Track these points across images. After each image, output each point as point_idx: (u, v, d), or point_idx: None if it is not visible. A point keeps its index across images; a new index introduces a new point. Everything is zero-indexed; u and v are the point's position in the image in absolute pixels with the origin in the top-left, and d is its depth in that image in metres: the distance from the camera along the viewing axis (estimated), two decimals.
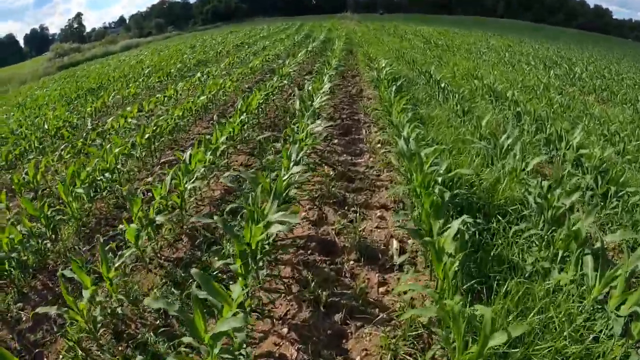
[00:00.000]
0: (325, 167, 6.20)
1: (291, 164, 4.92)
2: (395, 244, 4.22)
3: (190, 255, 4.53)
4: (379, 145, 6.80)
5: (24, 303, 4.53)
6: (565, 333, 2.80)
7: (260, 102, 8.87)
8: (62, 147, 7.91)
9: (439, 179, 4.02)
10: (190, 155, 5.48)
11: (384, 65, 11.70)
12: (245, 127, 7.99)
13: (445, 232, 3.28)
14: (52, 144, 9.35)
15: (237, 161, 6.92)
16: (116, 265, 3.71)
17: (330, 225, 4.67)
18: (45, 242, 5.27)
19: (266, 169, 5.65)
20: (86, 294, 3.44)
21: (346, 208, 5.02)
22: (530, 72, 16.17)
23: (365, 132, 7.63)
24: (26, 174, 6.67)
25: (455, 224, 3.23)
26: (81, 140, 8.12)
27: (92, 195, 6.01)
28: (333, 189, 5.37)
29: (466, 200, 4.53)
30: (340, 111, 9.27)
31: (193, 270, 2.89)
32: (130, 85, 15.35)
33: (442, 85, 10.12)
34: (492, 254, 3.69)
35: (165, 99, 11.47)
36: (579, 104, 10.22)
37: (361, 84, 12.44)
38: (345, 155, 6.67)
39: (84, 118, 11.82)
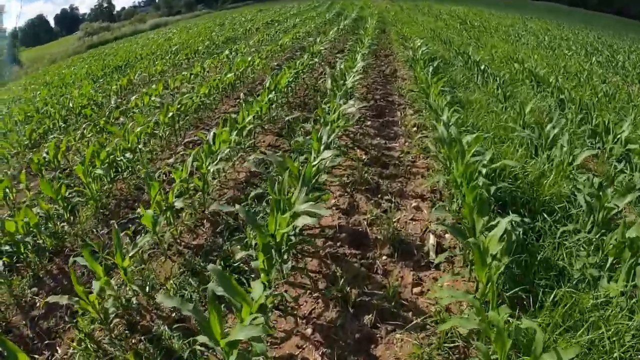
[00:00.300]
0: (358, 150, 5.87)
1: (321, 147, 4.62)
2: (432, 239, 3.90)
3: (211, 243, 4.32)
4: (414, 129, 6.43)
5: (39, 288, 4.42)
6: (615, 355, 2.47)
7: (290, 80, 8.56)
8: (84, 126, 7.79)
9: (483, 170, 3.65)
10: (214, 135, 5.24)
11: (419, 44, 11.22)
12: (274, 106, 7.71)
13: (490, 232, 2.95)
14: (76, 122, 9.29)
15: (264, 142, 6.65)
16: (131, 253, 3.50)
17: (362, 215, 4.36)
18: (62, 224, 5.15)
19: (294, 152, 5.37)
20: (96, 285, 3.25)
21: (379, 196, 4.70)
22: (571, 57, 15.30)
23: (400, 114, 7.25)
24: (47, 153, 6.57)
25: (503, 223, 2.90)
26: (104, 118, 7.99)
27: (112, 176, 5.86)
28: (365, 174, 5.05)
29: (509, 195, 4.16)
30: (373, 92, 8.88)
31: (210, 267, 2.65)
32: (157, 62, 15.23)
33: (482, 67, 9.59)
34: (538, 257, 3.33)
35: (192, 76, 11.27)
36: (624, 94, 9.52)
37: (395, 63, 11.98)
38: (378, 138, 6.32)
39: (109, 96, 11.76)
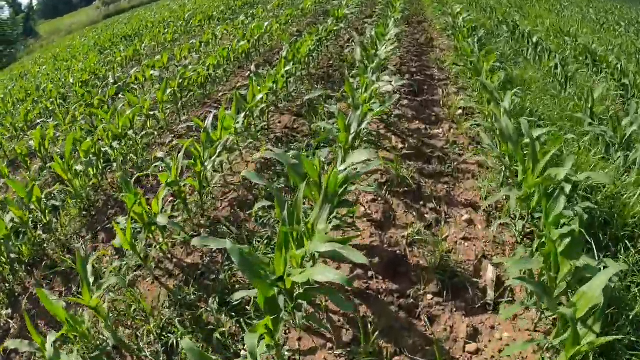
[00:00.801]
0: (393, 138, 4.94)
1: (350, 138, 3.73)
2: (490, 271, 3.01)
3: (208, 262, 3.52)
4: (459, 111, 5.44)
5: (14, 309, 3.79)
6: None
7: (312, 49, 7.60)
8: (75, 107, 7.02)
9: (567, 188, 2.70)
10: (216, 117, 4.38)
11: (459, 10, 10.02)
12: (292, 80, 6.80)
13: (581, 285, 2.08)
14: (75, 101, 8.55)
15: (279, 123, 5.76)
16: (96, 295, 2.70)
17: (400, 229, 3.47)
18: (39, 232, 4.45)
19: (314, 150, 4.42)
20: (51, 338, 2.47)
21: (421, 203, 3.79)
22: (621, 34, 13.71)
23: (442, 92, 6.22)
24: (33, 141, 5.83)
25: (603, 277, 2.02)
26: (98, 97, 7.20)
27: (101, 168, 5.10)
28: (404, 171, 4.13)
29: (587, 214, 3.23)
30: (407, 64, 7.83)
31: (184, 343, 1.84)
32: (167, 30, 14.35)
33: (534, 40, 8.37)
34: (630, 314, 2.45)
35: (201, 45, 10.37)
36: None
37: (430, 31, 10.81)
38: (417, 122, 5.36)
39: (113, 68, 11.00)
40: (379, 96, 4.78)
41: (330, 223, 2.75)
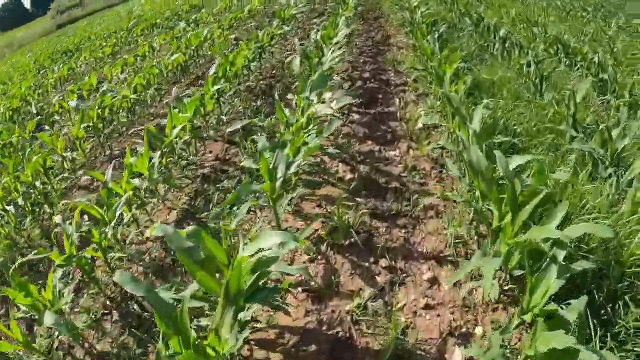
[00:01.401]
0: (341, 165, 4.26)
1: (277, 185, 3.01)
2: (458, 355, 2.35)
3: (120, 347, 2.81)
4: (420, 124, 4.78)
5: None
6: None
7: (251, 58, 6.85)
8: None
9: (560, 256, 2.06)
10: (119, 165, 3.64)
11: (416, 3, 9.38)
12: (227, 97, 6.07)
13: None
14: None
15: (210, 153, 5.03)
16: None
17: (345, 299, 2.79)
18: None
19: (227, 211, 3.67)
20: None
21: (372, 260, 3.11)
22: (589, 22, 13.20)
23: (399, 101, 5.55)
24: None
25: None
26: (16, 134, 6.34)
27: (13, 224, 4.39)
28: (350, 214, 3.44)
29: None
30: (360, 67, 7.15)
31: None
32: (107, 43, 13.41)
33: (502, 33, 7.74)
34: None
35: (138, 59, 9.51)
36: None
37: (387, 27, 10.15)
38: (369, 142, 4.68)
39: (47, 92, 10.10)
40: (321, 119, 4.09)
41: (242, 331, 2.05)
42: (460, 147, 3.02)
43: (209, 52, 9.21)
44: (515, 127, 4.25)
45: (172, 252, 3.52)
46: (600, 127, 3.69)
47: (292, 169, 3.15)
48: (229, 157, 4.87)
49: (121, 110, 6.21)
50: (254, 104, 6.10)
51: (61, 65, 12.18)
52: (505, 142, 3.82)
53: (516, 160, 2.85)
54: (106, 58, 12.10)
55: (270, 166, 3.10)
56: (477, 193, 2.92)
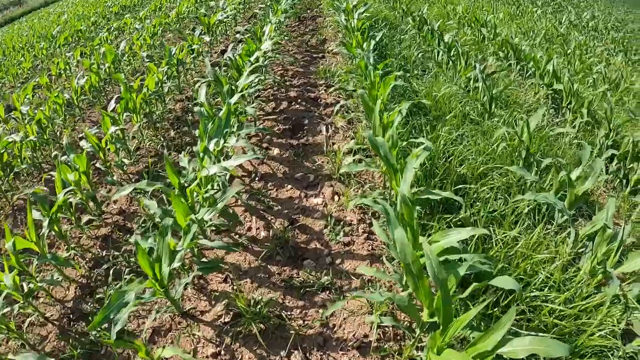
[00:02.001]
0: (254, 220, 3.65)
1: (165, 274, 2.39)
2: None
3: None
4: (350, 159, 4.21)
5: None
6: None
7: (163, 80, 6.08)
8: None
9: None
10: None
11: (355, 3, 8.81)
12: (134, 130, 5.31)
13: None
14: None
15: (115, 203, 4.30)
16: None
17: None
18: None
19: None
20: None
21: (284, 353, 2.54)
22: (540, 18, 13.05)
23: (327, 129, 4.97)
24: None
25: None
26: None
27: None
28: (258, 293, 2.85)
29: None
30: (289, 81, 6.54)
31: None
32: (26, 56, 12.15)
33: (447, 39, 7.25)
34: None
35: (53, 79, 8.47)
36: (614, 72, 7.42)
37: (324, 30, 9.57)
38: (289, 186, 4.10)
39: None
40: (216, 187, 3.43)
41: None
42: (388, 210, 2.46)
43: (128, 67, 8.29)
44: (459, 170, 3.75)
45: None
46: (560, 173, 3.25)
47: (176, 262, 2.53)
48: (134, 208, 4.16)
49: (20, 157, 5.26)
50: (168, 134, 5.39)
51: None
52: (448, 203, 3.35)
53: (454, 237, 2.35)
54: (25, 74, 10.91)
55: (152, 258, 2.47)
56: (404, 278, 2.39)
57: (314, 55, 7.92)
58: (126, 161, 4.72)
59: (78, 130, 6.32)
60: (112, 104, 5.09)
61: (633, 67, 8.23)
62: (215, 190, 3.17)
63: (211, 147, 3.44)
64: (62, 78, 8.85)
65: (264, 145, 4.75)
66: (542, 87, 6.07)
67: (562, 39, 9.40)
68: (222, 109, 4.15)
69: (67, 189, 3.60)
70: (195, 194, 3.12)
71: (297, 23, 10.39)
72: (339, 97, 5.83)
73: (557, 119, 5.46)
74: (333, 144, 4.59)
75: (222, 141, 3.51)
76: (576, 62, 7.56)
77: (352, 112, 5.28)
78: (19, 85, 10.27)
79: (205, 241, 2.95)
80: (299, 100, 5.84)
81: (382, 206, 2.46)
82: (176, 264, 2.52)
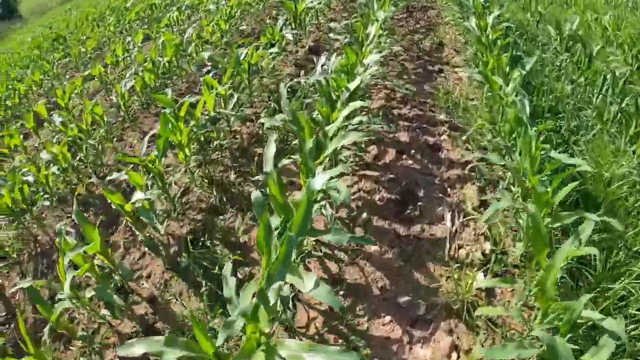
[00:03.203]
0: None
1: None
2: None
3: None
4: (482, 279, 2.86)
5: None
6: None
7: (226, 98, 4.86)
8: None
9: None
10: None
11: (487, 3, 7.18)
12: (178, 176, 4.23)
13: None
14: None
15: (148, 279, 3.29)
16: None
17: None
18: None
19: None
20: None
21: None
22: None
23: (452, 214, 3.53)
24: None
25: None
26: None
27: None
28: None
29: None
30: (397, 109, 5.12)
31: None
32: (92, 33, 11.47)
33: (604, 68, 5.40)
34: None
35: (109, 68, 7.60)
36: None
37: (440, 29, 7.99)
38: (390, 315, 2.80)
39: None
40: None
41: None
42: None
43: (193, 58, 7.09)
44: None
45: None
46: None
47: None
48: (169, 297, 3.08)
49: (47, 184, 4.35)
50: (226, 176, 4.23)
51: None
52: None
53: None
54: (89, 53, 10.19)
55: None
56: None
57: (429, 68, 6.44)
58: (160, 227, 3.54)
59: (125, 141, 5.33)
60: (145, 144, 3.94)
61: None
62: None
63: (271, 297, 2.15)
64: (120, 67, 7.94)
65: (357, 228, 3.45)
66: None
67: None
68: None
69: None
70: None
71: (404, 14, 8.90)
72: (468, 146, 4.39)
73: None
74: (459, 246, 3.21)
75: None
76: None
77: (485, 177, 3.88)
78: (82, 66, 9.56)
79: None
80: (412, 148, 4.34)
81: None
82: None
